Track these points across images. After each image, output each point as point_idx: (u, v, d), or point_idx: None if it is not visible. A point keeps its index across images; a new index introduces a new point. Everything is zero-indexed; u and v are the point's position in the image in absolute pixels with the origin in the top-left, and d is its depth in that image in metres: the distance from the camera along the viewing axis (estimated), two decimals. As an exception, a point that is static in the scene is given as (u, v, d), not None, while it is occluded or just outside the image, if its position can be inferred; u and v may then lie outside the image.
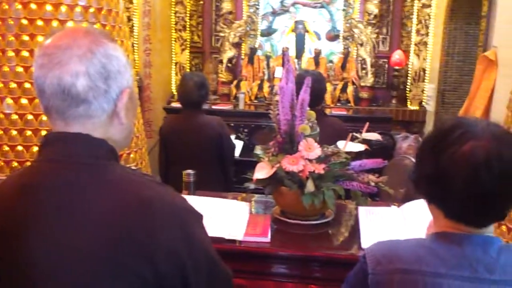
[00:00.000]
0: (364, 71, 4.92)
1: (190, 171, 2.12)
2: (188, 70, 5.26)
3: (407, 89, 4.99)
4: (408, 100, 4.99)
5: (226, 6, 5.16)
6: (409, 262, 1.01)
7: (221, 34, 5.19)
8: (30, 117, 2.15)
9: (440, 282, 0.97)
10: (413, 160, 2.77)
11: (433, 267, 0.98)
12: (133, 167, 2.12)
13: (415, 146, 4.58)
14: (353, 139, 2.08)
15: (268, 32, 5.63)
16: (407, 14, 4.94)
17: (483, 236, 1.01)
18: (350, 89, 4.95)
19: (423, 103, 4.89)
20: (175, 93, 5.17)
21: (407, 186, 2.78)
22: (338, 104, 4.99)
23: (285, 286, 1.59)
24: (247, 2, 5.32)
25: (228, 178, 3.07)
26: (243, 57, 5.36)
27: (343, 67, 5.11)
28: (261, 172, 1.89)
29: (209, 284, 0.94)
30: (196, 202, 1.89)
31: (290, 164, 1.82)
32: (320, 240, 1.78)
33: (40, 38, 2.15)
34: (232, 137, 3.52)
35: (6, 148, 2.15)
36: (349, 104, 4.97)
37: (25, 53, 2.16)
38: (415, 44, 4.80)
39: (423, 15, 4.70)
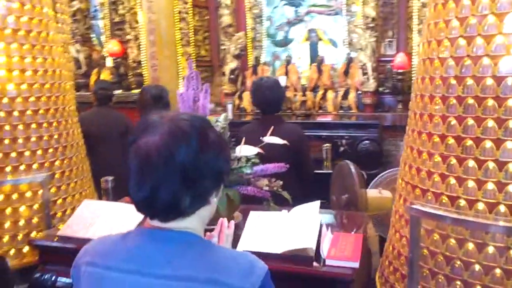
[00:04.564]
0: (365, 76, 4.74)
1: (108, 178, 2.18)
2: (194, 83, 5.39)
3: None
4: (415, 104, 4.71)
5: (226, 19, 5.25)
6: (93, 255, 1.03)
7: (222, 47, 5.28)
8: None
9: (102, 273, 0.98)
10: (352, 166, 2.65)
11: (104, 260, 1.00)
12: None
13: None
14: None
15: (285, 42, 5.65)
16: (411, 15, 4.70)
17: (164, 232, 1.00)
18: (352, 95, 4.79)
19: (430, 107, 4.59)
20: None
21: (349, 192, 2.66)
22: (340, 111, 4.85)
23: None
24: (251, 15, 5.38)
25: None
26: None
27: (346, 73, 4.96)
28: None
29: None
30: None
31: None
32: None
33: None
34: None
35: None
36: (351, 111, 4.81)
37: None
38: (418, 45, 4.54)
39: (423, 14, 4.44)
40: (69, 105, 2.72)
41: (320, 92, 4.96)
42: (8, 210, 2.39)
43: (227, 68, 5.20)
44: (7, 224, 2.39)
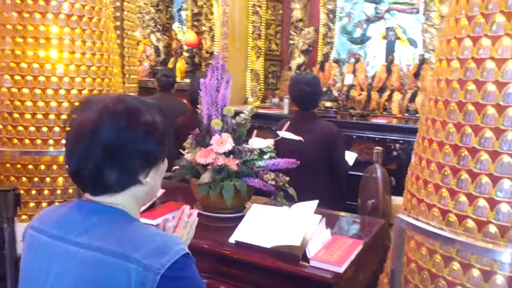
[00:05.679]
0: (436, 79, 4.44)
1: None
2: (262, 76, 5.45)
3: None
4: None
5: (296, 13, 5.22)
6: (36, 219, 1.13)
7: (291, 42, 5.27)
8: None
9: (36, 236, 1.08)
10: (379, 171, 2.54)
11: (41, 224, 1.09)
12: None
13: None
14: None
15: (361, 40, 5.51)
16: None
17: (91, 204, 1.06)
18: (418, 98, 4.52)
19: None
20: (248, 96, 5.44)
21: (376, 198, 2.54)
22: (406, 114, 4.61)
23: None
24: (324, 10, 5.30)
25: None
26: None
27: (417, 75, 4.69)
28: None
29: None
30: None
31: (202, 157, 1.92)
32: (213, 232, 1.84)
33: (30, 40, 2.65)
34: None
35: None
36: (417, 115, 4.54)
37: (18, 52, 2.67)
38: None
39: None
40: (115, 87, 2.91)
41: (386, 93, 4.75)
42: (48, 179, 2.64)
43: (294, 63, 5.18)
44: (46, 192, 2.65)
